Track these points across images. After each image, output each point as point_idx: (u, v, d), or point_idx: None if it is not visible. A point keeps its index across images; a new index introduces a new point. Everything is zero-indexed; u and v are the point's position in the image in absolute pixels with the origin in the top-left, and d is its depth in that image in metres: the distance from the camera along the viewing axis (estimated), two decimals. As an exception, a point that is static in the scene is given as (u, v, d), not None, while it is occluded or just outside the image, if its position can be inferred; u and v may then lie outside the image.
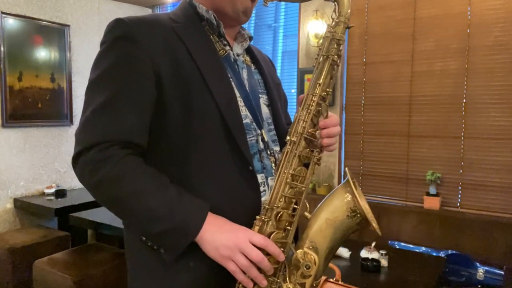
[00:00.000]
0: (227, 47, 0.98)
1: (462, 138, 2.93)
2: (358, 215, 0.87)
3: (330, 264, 1.65)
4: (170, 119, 0.85)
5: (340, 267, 2.02)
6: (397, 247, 2.86)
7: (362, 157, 3.34)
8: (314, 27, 3.39)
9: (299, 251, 0.86)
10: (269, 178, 0.96)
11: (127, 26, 0.85)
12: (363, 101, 3.32)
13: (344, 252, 2.21)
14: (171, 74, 0.85)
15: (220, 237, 0.81)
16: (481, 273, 2.58)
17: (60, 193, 3.34)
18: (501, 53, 2.78)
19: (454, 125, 2.95)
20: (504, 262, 2.61)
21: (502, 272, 2.54)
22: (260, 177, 0.93)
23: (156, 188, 0.81)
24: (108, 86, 0.83)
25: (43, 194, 3.41)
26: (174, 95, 0.85)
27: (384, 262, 2.11)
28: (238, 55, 1.02)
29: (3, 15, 3.18)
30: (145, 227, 0.83)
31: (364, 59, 3.30)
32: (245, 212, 0.88)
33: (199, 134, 0.86)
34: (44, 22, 3.46)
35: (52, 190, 3.36)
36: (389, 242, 2.96)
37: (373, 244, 2.18)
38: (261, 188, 0.93)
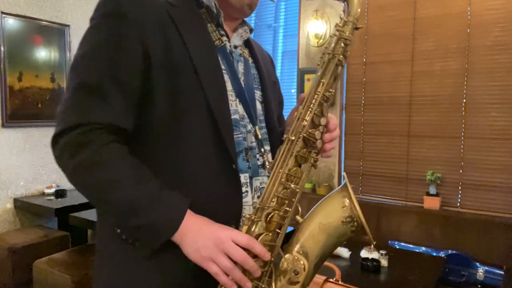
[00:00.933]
0: (224, 38, 0.93)
1: (462, 138, 2.93)
2: (354, 222, 0.83)
3: (330, 264, 1.65)
4: (156, 106, 0.81)
5: (340, 267, 2.02)
6: (397, 247, 2.86)
7: (362, 157, 3.33)
8: (314, 27, 3.39)
9: (287, 255, 0.81)
10: (254, 179, 0.92)
11: (118, 2, 0.80)
12: (363, 101, 3.32)
13: (344, 252, 2.21)
14: (161, 58, 0.80)
15: (201, 237, 0.76)
16: (481, 273, 2.58)
17: (60, 193, 3.34)
18: (501, 53, 2.78)
19: (454, 125, 2.95)
20: (504, 262, 2.61)
21: (502, 272, 2.54)
22: (243, 177, 0.88)
23: (137, 180, 0.77)
24: (95, 65, 0.78)
25: (43, 194, 3.41)
26: (161, 81, 0.80)
27: (384, 262, 2.11)
28: (235, 47, 0.97)
29: (3, 15, 3.18)
30: (121, 219, 0.79)
31: (364, 59, 3.30)
32: (224, 212, 0.84)
33: (184, 125, 0.82)
34: (44, 22, 3.46)
35: (52, 190, 3.36)
36: (389, 242, 2.96)
37: (373, 244, 2.18)
38: (243, 189, 0.88)
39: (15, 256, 2.70)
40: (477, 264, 2.62)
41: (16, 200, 3.30)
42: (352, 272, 2.07)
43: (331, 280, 1.48)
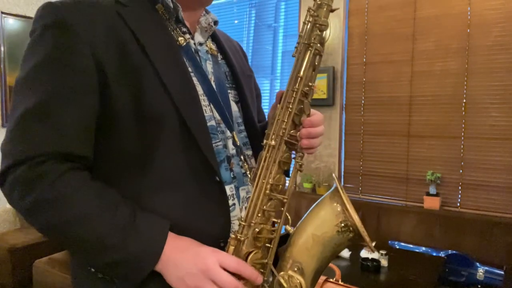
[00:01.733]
0: (187, 35, 0.83)
1: (462, 138, 2.93)
2: (350, 230, 0.75)
3: (330, 264, 1.65)
4: (119, 123, 0.71)
5: (340, 267, 2.02)
6: (397, 247, 2.86)
7: (362, 157, 3.33)
8: (314, 27, 3.39)
9: (282, 273, 0.75)
10: (240, 189, 0.82)
11: (59, 11, 0.69)
12: (363, 101, 3.32)
13: (344, 252, 2.21)
14: (117, 70, 0.70)
15: (185, 263, 0.68)
16: (481, 273, 2.58)
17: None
18: (501, 53, 2.77)
19: (454, 125, 2.95)
20: (504, 262, 2.60)
21: (502, 272, 2.53)
22: (228, 189, 0.79)
23: (104, 209, 0.67)
24: (39, 86, 0.68)
25: (43, 194, 3.41)
26: (122, 95, 0.70)
27: (384, 262, 2.11)
28: (200, 44, 0.86)
29: (3, 15, 3.18)
30: (93, 258, 0.69)
31: (364, 59, 3.30)
32: (211, 230, 0.75)
33: (155, 140, 0.72)
34: (44, 22, 3.46)
35: (52, 190, 3.36)
36: (389, 242, 2.96)
37: (373, 244, 2.18)
38: (230, 202, 0.79)
39: (15, 256, 2.70)
40: (477, 264, 2.62)
41: (16, 200, 3.29)
42: (352, 272, 2.07)
43: (331, 280, 1.48)
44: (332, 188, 0.80)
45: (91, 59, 0.69)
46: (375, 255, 2.11)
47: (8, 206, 3.28)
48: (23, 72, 0.70)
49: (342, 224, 0.75)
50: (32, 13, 3.37)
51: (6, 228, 3.25)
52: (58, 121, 0.68)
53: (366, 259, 2.08)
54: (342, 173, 3.42)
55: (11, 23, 3.24)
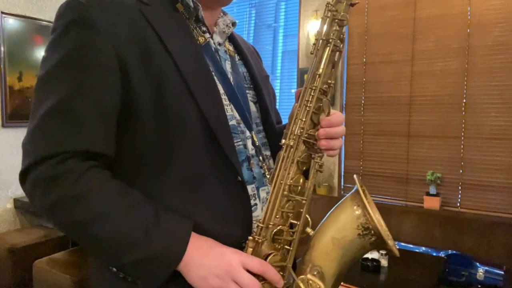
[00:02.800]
0: (207, 35, 0.82)
1: (462, 138, 2.93)
2: (372, 233, 0.72)
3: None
4: (141, 122, 0.70)
5: (340, 267, 2.02)
6: (397, 247, 2.86)
7: (362, 157, 3.33)
8: (314, 27, 3.39)
9: (301, 277, 0.72)
10: (260, 189, 0.82)
11: (83, 8, 0.68)
12: (363, 101, 3.32)
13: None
14: (140, 69, 0.69)
15: (208, 264, 0.67)
16: (481, 273, 2.58)
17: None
18: (501, 53, 2.77)
19: (454, 125, 2.95)
20: (504, 262, 2.60)
21: (502, 272, 2.53)
22: (250, 189, 0.78)
23: (127, 208, 0.67)
24: (62, 84, 0.67)
25: (43, 194, 3.41)
26: (144, 94, 0.70)
27: (384, 262, 2.11)
28: (219, 44, 0.86)
29: (3, 15, 3.17)
30: (115, 257, 0.68)
31: (364, 59, 3.30)
32: (234, 230, 0.75)
33: (177, 140, 0.72)
34: (44, 22, 3.46)
35: (52, 190, 3.36)
36: (389, 242, 2.96)
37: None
38: (252, 202, 0.78)
39: (15, 256, 2.70)
40: (477, 264, 2.62)
41: (16, 200, 3.30)
42: (352, 272, 2.07)
43: (331, 280, 1.48)
44: (353, 190, 0.77)
45: (114, 58, 0.68)
46: (375, 255, 2.11)
47: (8, 206, 3.28)
48: (45, 70, 0.69)
49: (363, 227, 0.72)
50: (32, 13, 3.37)
51: (6, 228, 3.25)
52: (80, 119, 0.67)
53: (366, 259, 2.08)
54: (342, 173, 3.42)
55: (11, 23, 3.24)
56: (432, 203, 2.95)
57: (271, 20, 4.06)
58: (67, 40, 0.68)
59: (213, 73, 0.79)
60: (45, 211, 0.68)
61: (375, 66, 3.25)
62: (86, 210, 0.65)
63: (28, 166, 0.67)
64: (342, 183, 3.44)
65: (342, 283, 1.43)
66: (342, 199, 0.78)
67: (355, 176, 0.81)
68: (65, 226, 0.69)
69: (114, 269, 0.72)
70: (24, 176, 0.68)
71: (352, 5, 0.75)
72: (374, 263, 2.06)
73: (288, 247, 0.73)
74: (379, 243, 0.72)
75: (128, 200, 0.68)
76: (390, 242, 0.73)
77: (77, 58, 0.68)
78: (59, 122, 0.67)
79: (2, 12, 3.17)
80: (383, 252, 2.12)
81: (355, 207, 0.74)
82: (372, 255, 2.11)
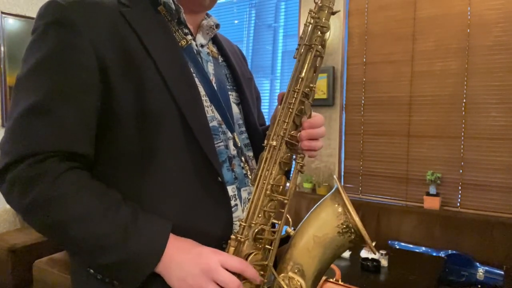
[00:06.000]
0: (189, 37, 0.83)
1: (462, 138, 2.93)
2: (352, 232, 0.75)
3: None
4: (121, 123, 0.71)
5: (340, 267, 2.02)
6: (397, 247, 2.86)
7: (362, 157, 3.33)
8: (314, 27, 3.39)
9: (282, 275, 0.74)
10: (242, 189, 0.82)
11: (63, 9, 0.69)
12: (363, 101, 3.32)
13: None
14: (120, 69, 0.70)
15: (187, 264, 0.67)
16: (481, 273, 2.58)
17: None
18: (501, 53, 2.77)
19: (454, 125, 2.95)
20: (504, 262, 2.60)
21: (502, 272, 2.54)
22: (230, 189, 0.79)
23: (105, 209, 0.66)
24: (41, 84, 0.67)
25: (43, 194, 3.41)
26: (124, 94, 0.70)
27: (384, 262, 2.11)
28: (202, 46, 0.87)
29: (3, 15, 3.18)
30: (93, 258, 0.67)
31: (364, 59, 3.30)
32: (214, 231, 0.75)
33: (156, 140, 0.72)
34: (44, 22, 3.46)
35: (52, 190, 3.36)
36: (389, 242, 2.96)
37: (373, 244, 2.18)
38: (232, 202, 0.78)
39: (15, 256, 2.70)
40: (477, 264, 2.62)
41: (16, 200, 3.30)
42: (352, 272, 2.07)
43: (331, 280, 1.48)
44: (333, 189, 0.79)
45: (93, 58, 0.69)
46: (375, 255, 2.11)
47: (8, 206, 3.28)
48: (24, 70, 0.69)
49: (343, 226, 0.74)
50: (32, 13, 3.37)
51: (6, 228, 3.25)
52: (59, 119, 0.67)
53: (366, 259, 2.09)
54: (342, 173, 3.42)
55: (11, 23, 3.24)
56: (432, 203, 2.95)
57: (271, 20, 4.06)
58: (47, 40, 0.68)
59: (194, 75, 0.79)
60: (22, 210, 0.67)
61: (375, 66, 3.25)
62: (63, 212, 0.65)
63: (6, 165, 0.66)
64: (342, 183, 3.44)
65: (342, 283, 1.43)
66: (323, 198, 0.80)
67: (334, 176, 0.84)
68: (42, 227, 0.68)
69: (92, 270, 0.72)
70: (2, 176, 0.67)
71: (333, 13, 0.78)
72: (374, 263, 2.06)
73: (269, 247, 0.74)
74: (357, 241, 0.75)
75: (107, 201, 0.68)
76: (368, 239, 0.75)
77: (56, 58, 0.68)
78: (39, 121, 0.66)
79: (2, 12, 3.17)
80: (383, 252, 2.13)
81: (335, 206, 0.76)
82: (372, 255, 2.11)
